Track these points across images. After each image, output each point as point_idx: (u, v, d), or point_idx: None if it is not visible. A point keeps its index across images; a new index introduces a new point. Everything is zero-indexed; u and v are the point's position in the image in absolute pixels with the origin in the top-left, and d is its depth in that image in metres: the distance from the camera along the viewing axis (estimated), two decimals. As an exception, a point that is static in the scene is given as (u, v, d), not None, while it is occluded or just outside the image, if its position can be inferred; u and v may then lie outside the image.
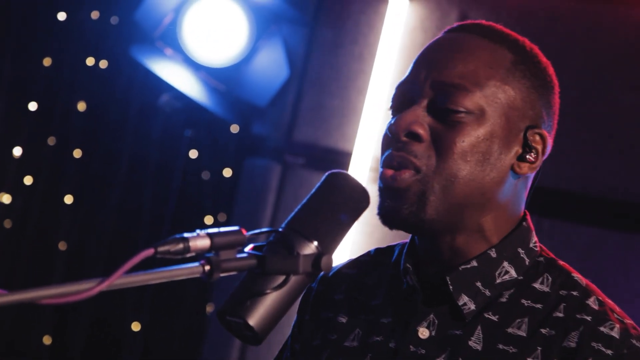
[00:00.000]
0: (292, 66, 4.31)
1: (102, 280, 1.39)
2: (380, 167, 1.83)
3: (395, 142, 1.80)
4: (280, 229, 1.61)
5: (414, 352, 1.80)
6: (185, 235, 1.47)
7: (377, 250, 2.02)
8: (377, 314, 1.89)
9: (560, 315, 1.77)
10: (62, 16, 4.59)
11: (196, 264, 1.49)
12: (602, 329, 1.74)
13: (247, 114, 4.46)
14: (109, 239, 4.64)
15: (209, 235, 1.49)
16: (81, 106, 4.67)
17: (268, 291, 1.56)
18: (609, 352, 1.71)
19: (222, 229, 1.52)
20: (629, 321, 1.78)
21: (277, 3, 4.31)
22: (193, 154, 4.67)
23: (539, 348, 1.75)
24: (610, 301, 1.82)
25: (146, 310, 4.63)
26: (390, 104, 1.87)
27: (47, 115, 4.61)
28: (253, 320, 1.55)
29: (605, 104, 3.58)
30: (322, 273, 1.91)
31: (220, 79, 4.37)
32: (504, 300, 1.81)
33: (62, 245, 4.68)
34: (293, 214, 1.64)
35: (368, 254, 2.03)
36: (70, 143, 4.67)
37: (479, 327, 1.79)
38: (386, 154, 1.81)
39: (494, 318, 1.79)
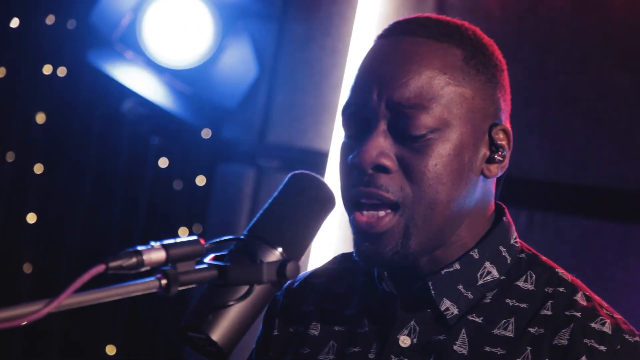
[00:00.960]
0: (262, 64, 4.30)
1: (50, 301, 1.39)
2: (347, 204, 1.80)
3: (360, 175, 1.78)
4: (241, 237, 1.61)
5: None
6: (139, 248, 1.47)
7: (344, 256, 2.01)
8: (352, 324, 1.88)
9: (549, 313, 1.77)
10: (15, 23, 4.57)
11: (152, 278, 1.49)
12: (593, 325, 1.75)
13: (217, 117, 4.45)
14: (77, 258, 4.62)
15: (164, 247, 1.49)
16: (40, 118, 4.65)
17: (231, 303, 1.56)
18: (603, 348, 1.73)
19: (179, 240, 1.52)
20: (618, 316, 1.80)
21: (242, -1, 4.32)
22: (163, 162, 4.66)
23: (529, 348, 1.75)
24: (596, 296, 1.84)
25: (120, 331, 4.61)
26: (344, 128, 1.84)
27: (4, 129, 4.59)
28: (216, 335, 1.55)
29: (595, 88, 3.59)
30: (287, 283, 1.93)
31: (185, 81, 4.35)
32: (487, 301, 1.81)
33: (27, 268, 4.66)
34: (255, 219, 1.64)
35: (335, 260, 2.02)
36: (30, 158, 4.64)
37: (463, 331, 1.79)
38: (353, 191, 1.79)
39: (479, 320, 1.80)
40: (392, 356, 1.80)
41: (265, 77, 4.31)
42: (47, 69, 4.60)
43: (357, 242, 1.80)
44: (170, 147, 4.61)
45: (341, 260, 2.01)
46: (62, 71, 4.61)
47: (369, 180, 1.76)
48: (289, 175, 1.68)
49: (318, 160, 4.06)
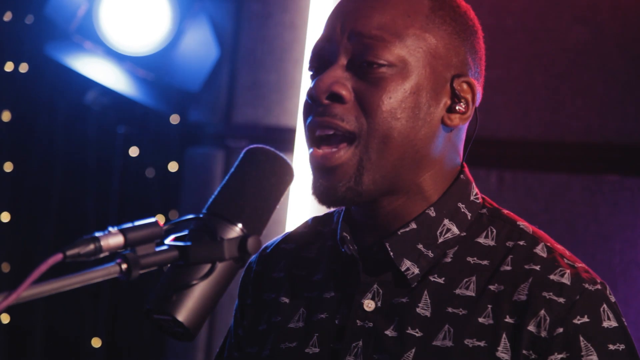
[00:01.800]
0: (222, 44, 4.28)
1: (8, 294, 1.38)
2: (306, 140, 1.82)
3: (316, 107, 1.79)
4: (200, 215, 1.60)
5: (361, 327, 1.80)
6: (96, 234, 1.46)
7: (315, 219, 2.01)
8: (320, 289, 1.88)
9: (508, 268, 1.78)
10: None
11: (112, 263, 1.48)
12: (552, 277, 1.74)
13: (181, 102, 4.43)
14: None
15: (122, 231, 1.48)
16: (5, 116, 4.61)
17: (194, 282, 1.55)
18: (561, 300, 1.73)
19: (136, 223, 1.51)
20: (580, 265, 1.79)
21: (197, -20, 4.29)
22: (133, 151, 4.64)
23: (489, 306, 1.75)
24: (559, 246, 1.83)
25: (103, 323, 4.60)
26: (309, 67, 1.86)
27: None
28: (182, 315, 1.54)
29: (554, 43, 3.59)
30: (260, 250, 1.93)
31: (147, 68, 4.33)
32: (448, 260, 1.81)
33: (5, 267, 4.64)
34: (213, 197, 1.63)
35: (306, 224, 2.02)
36: (-1, 158, 4.62)
37: (426, 292, 1.79)
38: (308, 121, 1.81)
39: (440, 280, 1.80)
40: (357, 321, 1.80)
41: (226, 58, 4.30)
42: (8, 66, 4.56)
43: (313, 181, 1.81)
44: (138, 135, 4.59)
45: (311, 224, 2.01)
46: (23, 67, 4.58)
47: (324, 110, 1.78)
48: (244, 150, 1.67)
49: (285, 136, 4.06)
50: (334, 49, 1.80)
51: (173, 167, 4.57)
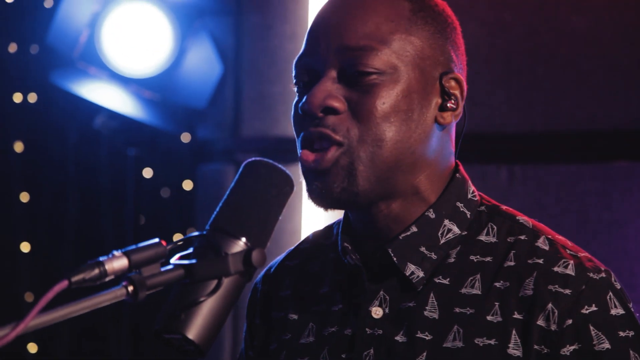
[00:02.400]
0: (225, 60, 4.29)
1: (17, 324, 1.39)
2: (299, 148, 1.83)
3: (310, 119, 1.79)
4: (203, 232, 1.61)
5: (371, 335, 1.80)
6: (100, 259, 1.47)
7: (315, 233, 2.02)
8: (327, 302, 1.88)
9: (512, 264, 1.77)
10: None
11: (119, 286, 1.49)
12: (556, 269, 1.74)
13: (189, 120, 4.44)
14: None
15: (125, 253, 1.49)
16: (18, 147, 4.65)
17: (202, 299, 1.56)
18: (568, 291, 1.72)
19: (140, 245, 1.52)
20: (583, 254, 1.78)
21: (196, -2, 4.31)
22: (147, 172, 4.66)
23: (496, 303, 1.75)
24: (560, 237, 1.82)
25: (126, 346, 4.62)
26: (294, 81, 1.85)
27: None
28: (191, 333, 1.55)
29: (554, 34, 3.58)
30: (265, 270, 1.93)
31: (153, 89, 4.35)
32: (452, 260, 1.81)
33: (28, 297, 4.67)
34: (215, 213, 1.64)
35: (307, 239, 2.02)
36: (14, 187, 4.64)
37: (432, 295, 1.79)
38: (302, 134, 1.82)
39: (445, 281, 1.79)
40: (366, 329, 1.80)
41: (230, 72, 4.31)
42: (17, 97, 4.59)
43: (307, 184, 1.81)
44: (150, 156, 4.61)
45: (312, 239, 2.01)
46: (32, 97, 4.61)
47: (318, 122, 1.78)
48: (243, 164, 1.68)
49: (293, 146, 4.04)
50: (321, 63, 1.80)
51: (187, 185, 4.59)
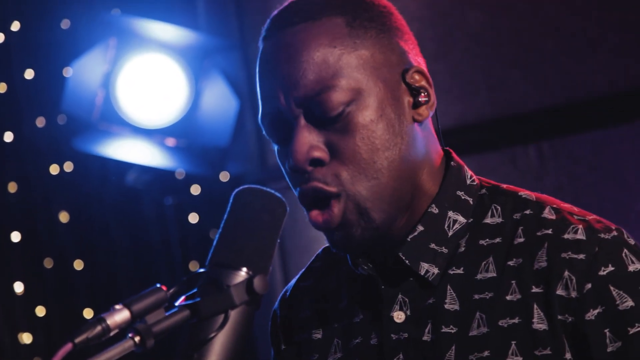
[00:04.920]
0: (240, 93, 4.32)
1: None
2: (299, 201, 1.80)
3: (300, 174, 1.77)
4: (203, 269, 1.61)
5: (397, 340, 1.78)
6: (102, 315, 1.48)
7: (325, 249, 2.00)
8: (348, 316, 1.87)
9: (521, 240, 1.75)
10: (9, 137, 4.63)
11: (126, 338, 1.49)
12: (566, 236, 1.72)
13: (217, 159, 4.47)
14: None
15: (126, 305, 1.50)
16: (64, 217, 4.70)
17: (211, 335, 1.55)
18: (581, 256, 1.69)
19: (140, 293, 1.53)
20: (591, 217, 1.76)
21: (201, 39, 4.33)
22: (193, 218, 4.68)
23: (513, 282, 1.73)
24: (566, 205, 1.80)
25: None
26: (267, 135, 1.82)
27: (35, 239, 4.63)
28: (207, 371, 1.55)
29: (558, 3, 3.53)
30: (281, 295, 1.92)
31: (176, 136, 4.38)
32: (462, 249, 1.79)
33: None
34: (212, 248, 1.64)
35: (317, 257, 2.01)
36: (67, 258, 4.69)
37: (449, 287, 1.77)
38: (297, 190, 1.79)
39: (460, 271, 1.78)
40: (392, 335, 1.79)
41: (247, 105, 4.33)
42: (54, 169, 4.65)
43: (327, 236, 1.80)
44: (191, 201, 4.63)
45: (323, 255, 2.00)
46: (68, 166, 4.66)
47: (309, 177, 1.75)
48: (232, 194, 1.68)
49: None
50: (287, 117, 1.76)
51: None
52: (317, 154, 1.74)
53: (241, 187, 1.67)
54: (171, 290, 1.55)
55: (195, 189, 4.63)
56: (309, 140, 1.74)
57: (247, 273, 1.58)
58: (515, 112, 3.50)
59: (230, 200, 1.67)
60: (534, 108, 3.50)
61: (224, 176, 4.57)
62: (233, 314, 1.56)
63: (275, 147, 1.82)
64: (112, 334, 1.48)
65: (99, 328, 1.46)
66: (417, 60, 1.81)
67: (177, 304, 1.56)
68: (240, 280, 1.57)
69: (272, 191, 1.67)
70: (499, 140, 3.56)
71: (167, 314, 1.53)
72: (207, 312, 1.55)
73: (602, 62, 3.40)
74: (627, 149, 3.34)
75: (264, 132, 1.82)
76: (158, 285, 1.54)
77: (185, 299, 1.58)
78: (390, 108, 1.75)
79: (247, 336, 1.60)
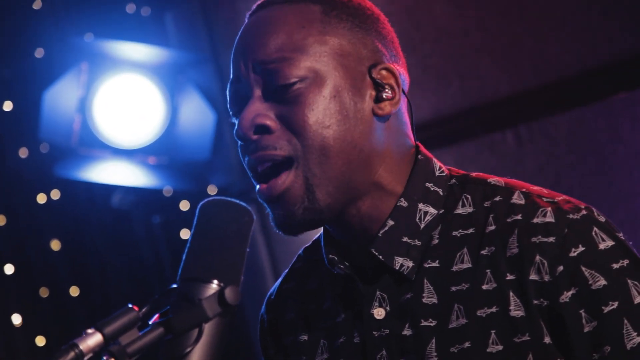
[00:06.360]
0: (216, 105, 4.32)
1: None
2: (250, 176, 1.82)
3: (248, 145, 1.78)
4: (174, 286, 1.61)
5: (379, 337, 1.78)
6: (74, 341, 1.47)
7: (306, 249, 2.01)
8: (332, 316, 1.87)
9: (493, 228, 1.75)
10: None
11: (102, 361, 1.49)
12: (535, 220, 1.71)
13: (200, 174, 4.46)
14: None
15: (97, 328, 1.49)
16: (55, 245, 4.69)
17: (188, 349, 1.55)
18: (551, 239, 1.69)
19: (111, 315, 1.52)
20: (560, 198, 1.75)
21: (173, 55, 4.33)
22: (185, 234, 4.68)
23: (487, 271, 1.73)
24: (536, 187, 1.79)
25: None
26: (231, 113, 1.85)
27: (27, 268, 4.62)
28: (186, 386, 1.54)
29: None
30: (266, 298, 1.92)
31: (157, 153, 4.37)
32: (435, 242, 1.79)
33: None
34: (182, 263, 1.64)
35: (299, 257, 2.02)
36: (63, 285, 4.68)
37: (425, 280, 1.77)
38: (245, 161, 1.80)
39: (435, 264, 1.77)
40: (373, 332, 1.79)
41: (224, 117, 4.32)
42: (41, 198, 4.64)
43: (271, 214, 1.80)
44: (178, 218, 4.62)
45: (304, 256, 2.01)
46: (55, 194, 4.65)
47: (256, 146, 1.76)
48: (198, 208, 1.67)
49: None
50: (245, 86, 1.79)
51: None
52: (262, 120, 1.76)
53: (205, 200, 1.67)
54: (143, 309, 1.55)
55: (184, 205, 4.63)
56: (258, 109, 1.76)
57: (218, 285, 1.57)
58: (489, 99, 3.50)
59: (196, 214, 1.66)
60: (507, 93, 3.50)
61: (212, 189, 4.57)
62: (207, 327, 1.56)
63: (235, 122, 1.82)
64: (86, 358, 1.47)
65: (71, 354, 1.46)
66: (394, 64, 1.82)
67: (150, 322, 1.56)
68: (211, 293, 1.56)
69: (237, 201, 1.67)
70: (475, 128, 3.55)
71: (140, 333, 1.52)
72: (181, 327, 1.54)
73: (570, 42, 3.40)
74: (602, 126, 3.34)
75: (228, 104, 1.84)
76: (130, 305, 1.53)
77: (159, 317, 1.57)
78: (347, 95, 1.76)
79: (224, 347, 1.60)
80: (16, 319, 4.60)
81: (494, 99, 3.50)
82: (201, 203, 1.67)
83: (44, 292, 4.65)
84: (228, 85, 1.84)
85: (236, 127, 1.78)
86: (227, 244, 1.62)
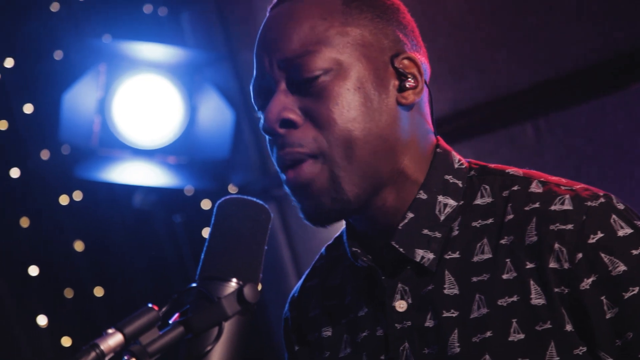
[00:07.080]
0: (234, 104, 4.32)
1: None
2: (278, 170, 1.83)
3: (275, 139, 1.79)
4: (193, 285, 1.61)
5: (401, 329, 1.79)
6: (95, 341, 1.48)
7: (328, 247, 2.02)
8: (354, 310, 1.88)
9: (511, 217, 1.75)
10: (15, 173, 4.64)
11: (123, 361, 1.50)
12: (553, 208, 1.72)
13: (220, 173, 4.47)
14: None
15: (118, 328, 1.50)
16: (79, 246, 4.71)
17: (208, 349, 1.55)
18: (570, 226, 1.69)
19: (132, 315, 1.53)
20: (579, 186, 1.75)
21: (190, 54, 4.34)
22: (207, 232, 4.68)
23: (507, 260, 1.73)
24: (554, 177, 1.79)
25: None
26: (256, 108, 1.86)
27: (51, 269, 4.64)
28: (207, 385, 1.55)
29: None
30: (290, 296, 1.92)
31: (177, 153, 4.39)
32: (456, 233, 1.80)
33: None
34: (201, 262, 1.64)
35: (321, 256, 2.03)
36: (88, 286, 4.70)
37: (446, 272, 1.78)
38: (274, 157, 1.81)
39: (456, 255, 1.78)
40: (395, 325, 1.80)
41: (242, 115, 4.33)
42: (64, 200, 4.66)
43: (299, 205, 1.81)
44: (203, 217, 4.63)
45: (325, 254, 2.02)
46: (77, 195, 4.67)
47: (282, 142, 1.78)
48: (215, 206, 1.68)
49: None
50: (270, 81, 1.80)
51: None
52: (288, 114, 1.77)
53: (223, 199, 1.68)
54: (163, 309, 1.56)
55: (206, 204, 4.64)
56: (283, 103, 1.77)
57: (237, 283, 1.58)
58: (507, 92, 3.48)
59: (213, 213, 1.67)
60: (524, 85, 3.48)
61: (232, 188, 4.58)
62: (227, 325, 1.56)
63: (261, 116, 1.84)
64: (107, 358, 1.48)
65: (92, 354, 1.47)
66: (415, 54, 1.83)
67: (170, 321, 1.57)
68: (230, 291, 1.57)
69: (254, 199, 1.67)
70: (494, 121, 3.54)
71: (161, 332, 1.53)
72: (200, 326, 1.55)
73: (585, 32, 3.37)
74: (622, 116, 3.31)
75: (252, 99, 1.86)
76: (149, 305, 1.54)
77: (179, 316, 1.58)
78: (371, 86, 1.77)
79: (244, 346, 1.60)
80: (42, 320, 4.62)
81: (511, 92, 3.48)
82: (218, 202, 1.68)
83: (68, 293, 4.67)
84: (252, 81, 1.85)
85: (262, 121, 1.80)
86: (244, 242, 1.63)
